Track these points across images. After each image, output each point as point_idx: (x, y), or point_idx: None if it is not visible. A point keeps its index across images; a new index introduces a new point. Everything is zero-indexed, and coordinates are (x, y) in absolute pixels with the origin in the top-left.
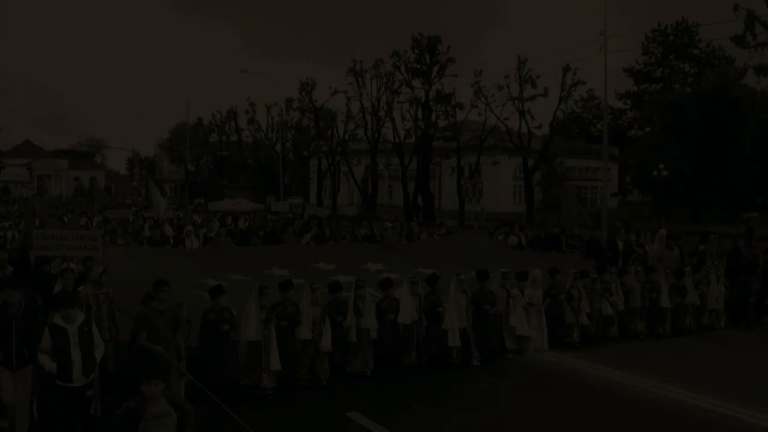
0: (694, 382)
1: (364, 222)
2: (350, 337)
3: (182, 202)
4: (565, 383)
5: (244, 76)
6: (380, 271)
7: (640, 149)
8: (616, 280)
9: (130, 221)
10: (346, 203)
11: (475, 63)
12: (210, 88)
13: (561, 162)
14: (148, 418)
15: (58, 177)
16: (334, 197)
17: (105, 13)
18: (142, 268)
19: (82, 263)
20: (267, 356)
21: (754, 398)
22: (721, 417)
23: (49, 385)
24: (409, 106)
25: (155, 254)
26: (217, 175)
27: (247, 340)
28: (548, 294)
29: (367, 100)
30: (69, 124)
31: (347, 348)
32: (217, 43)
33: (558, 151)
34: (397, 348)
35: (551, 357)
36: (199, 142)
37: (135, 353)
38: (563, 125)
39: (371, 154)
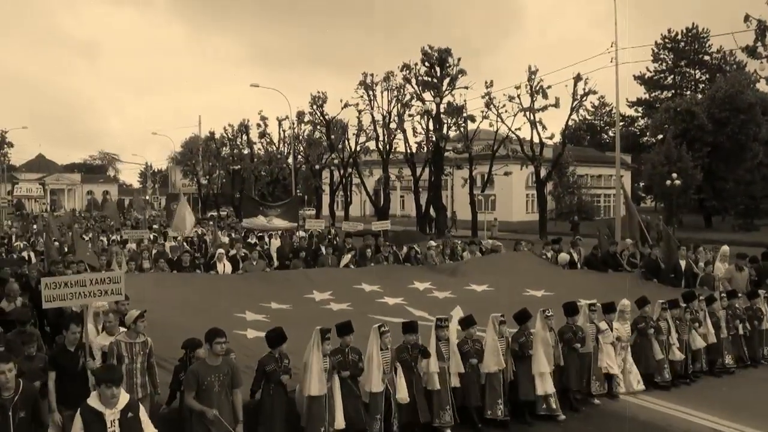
0: None
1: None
2: (432, 385)
3: (201, 218)
4: None
5: (256, 88)
6: (429, 290)
7: (652, 157)
8: (704, 309)
9: (150, 241)
10: (358, 215)
11: (486, 72)
12: (222, 102)
13: (573, 171)
14: None
15: (71, 191)
16: (346, 209)
17: (118, 27)
18: (173, 299)
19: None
20: (332, 414)
21: None
22: None
23: None
24: (420, 118)
25: (186, 283)
26: (235, 188)
27: (309, 395)
28: (636, 328)
29: (378, 112)
30: (82, 139)
31: (429, 399)
32: (229, 56)
33: (570, 159)
34: (482, 398)
35: (642, 400)
36: (212, 156)
37: (184, 418)
38: (575, 134)
39: (383, 166)
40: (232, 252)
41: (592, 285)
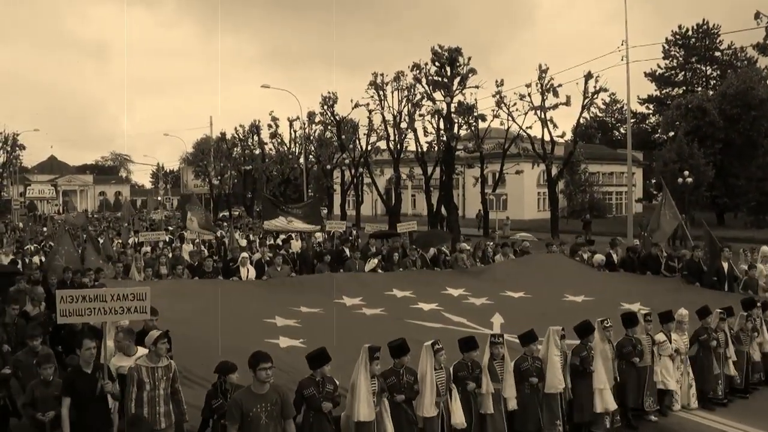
0: None
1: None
2: (485, 409)
3: (215, 220)
4: None
5: (267, 89)
6: (464, 296)
7: (663, 154)
8: (761, 317)
9: (166, 243)
10: (369, 214)
11: (498, 69)
12: (233, 103)
13: (585, 168)
14: None
15: (83, 192)
16: (357, 209)
17: (128, 28)
18: (197, 308)
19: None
20: None
21: None
22: None
23: None
24: (431, 117)
25: (209, 289)
26: (246, 188)
27: (357, 420)
28: (698, 339)
29: (389, 112)
30: (93, 140)
31: (482, 424)
32: (240, 56)
33: (581, 156)
34: (541, 420)
35: (699, 417)
36: (223, 156)
37: None
38: (586, 131)
39: (394, 165)
40: (256, 256)
41: (634, 289)
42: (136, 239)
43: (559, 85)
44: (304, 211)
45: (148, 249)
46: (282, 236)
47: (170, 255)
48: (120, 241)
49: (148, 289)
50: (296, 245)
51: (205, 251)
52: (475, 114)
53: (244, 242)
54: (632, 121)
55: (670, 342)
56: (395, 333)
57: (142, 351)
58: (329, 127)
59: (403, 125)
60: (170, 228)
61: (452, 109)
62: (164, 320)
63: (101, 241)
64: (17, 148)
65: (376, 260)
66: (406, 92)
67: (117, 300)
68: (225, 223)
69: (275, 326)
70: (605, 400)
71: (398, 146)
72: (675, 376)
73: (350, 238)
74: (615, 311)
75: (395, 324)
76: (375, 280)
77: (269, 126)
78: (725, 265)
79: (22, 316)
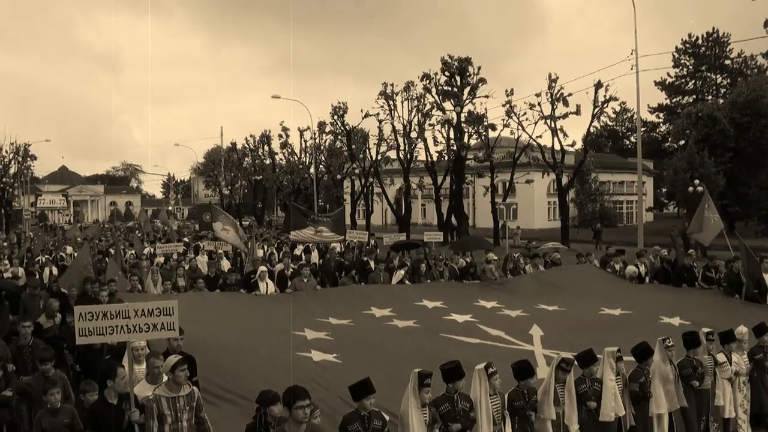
0: None
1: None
2: None
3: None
4: None
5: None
6: (497, 308)
7: (674, 163)
8: None
9: (180, 254)
10: (379, 224)
11: (508, 77)
12: (243, 113)
13: (595, 177)
14: None
15: (94, 202)
16: (367, 218)
17: (138, 38)
18: (223, 322)
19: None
20: None
21: None
22: None
23: None
24: (441, 127)
25: (234, 303)
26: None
27: None
28: (753, 359)
29: (399, 122)
30: (104, 151)
31: None
32: (250, 66)
33: (592, 165)
34: None
35: None
36: (234, 166)
37: None
38: (596, 140)
39: (404, 175)
40: (278, 267)
41: (672, 302)
42: (151, 250)
43: (569, 94)
44: (334, 219)
45: (161, 260)
46: (300, 247)
47: (187, 267)
48: (133, 251)
49: (175, 302)
50: (314, 256)
51: (227, 263)
52: (485, 123)
53: (260, 252)
54: (642, 129)
55: (731, 363)
56: (432, 348)
57: (146, 387)
58: (339, 137)
59: (413, 135)
60: (185, 239)
61: (462, 119)
62: (189, 336)
63: (112, 252)
64: (28, 159)
65: (402, 272)
66: (416, 102)
67: (141, 316)
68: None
69: (305, 339)
70: (663, 427)
71: (408, 156)
72: (738, 399)
73: (367, 246)
74: (654, 325)
75: (430, 338)
76: (404, 291)
77: (280, 136)
78: (766, 277)
79: (35, 332)
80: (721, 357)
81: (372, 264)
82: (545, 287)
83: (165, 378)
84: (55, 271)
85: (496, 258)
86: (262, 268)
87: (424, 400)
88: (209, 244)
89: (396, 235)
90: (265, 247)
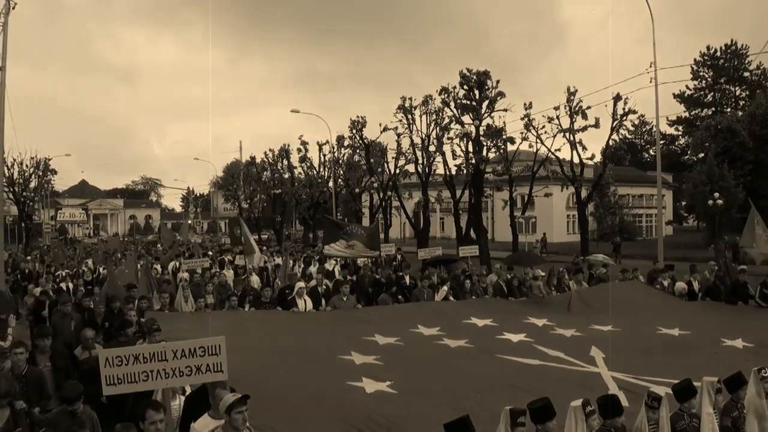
0: None
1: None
2: None
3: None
4: None
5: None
6: (549, 327)
7: (693, 176)
8: None
9: (205, 270)
10: (398, 237)
11: (528, 89)
12: (262, 127)
13: (614, 191)
14: None
15: (113, 216)
16: (386, 232)
17: (158, 53)
18: (265, 345)
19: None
20: None
21: None
22: None
23: None
24: (460, 140)
25: (271, 322)
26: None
27: None
28: None
29: (417, 136)
30: (124, 165)
31: None
32: (270, 80)
33: (611, 179)
34: None
35: None
36: (253, 180)
37: None
38: (615, 153)
39: (422, 188)
40: (311, 284)
41: (730, 322)
42: (176, 265)
43: (588, 107)
44: (369, 235)
45: (185, 275)
46: (332, 261)
47: (216, 282)
48: (158, 267)
49: (222, 339)
50: (327, 266)
51: (256, 279)
52: (504, 137)
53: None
54: (661, 142)
55: None
56: (492, 372)
57: (208, 422)
58: (358, 151)
59: (432, 148)
60: (210, 253)
61: (481, 132)
62: (231, 365)
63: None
64: (49, 173)
65: (446, 288)
66: (434, 116)
67: (182, 358)
68: (265, 247)
69: (353, 364)
70: None
71: (426, 169)
72: None
73: (395, 261)
74: (717, 347)
75: (487, 359)
76: (450, 308)
77: (299, 150)
78: None
79: (65, 360)
80: None
81: (407, 279)
82: (594, 305)
83: (214, 420)
84: (70, 285)
85: (543, 274)
86: (300, 284)
87: None
88: (240, 259)
89: (431, 250)
90: (291, 261)
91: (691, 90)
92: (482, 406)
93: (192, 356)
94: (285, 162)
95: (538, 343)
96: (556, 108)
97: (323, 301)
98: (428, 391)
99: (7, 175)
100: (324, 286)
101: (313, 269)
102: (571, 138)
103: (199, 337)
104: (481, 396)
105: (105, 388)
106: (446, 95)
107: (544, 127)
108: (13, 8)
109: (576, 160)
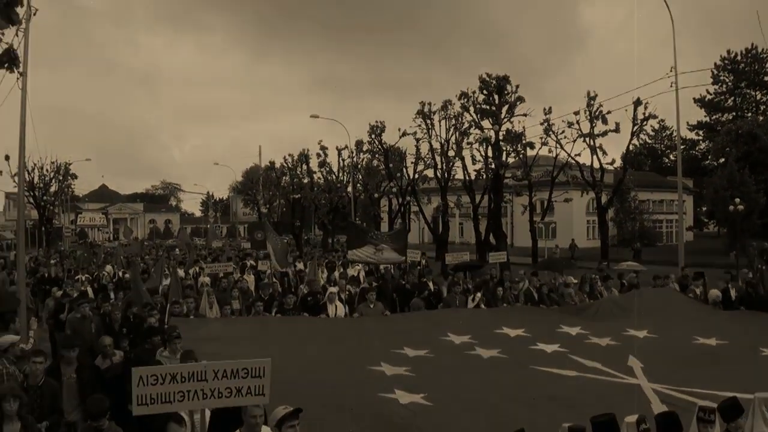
0: None
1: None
2: None
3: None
4: None
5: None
6: (584, 335)
7: (714, 181)
8: None
9: (227, 274)
10: (416, 242)
11: (548, 93)
12: (282, 132)
13: (635, 196)
14: None
15: (133, 220)
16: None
17: (177, 57)
18: (293, 354)
19: None
20: None
21: None
22: None
23: None
24: (479, 145)
25: (297, 329)
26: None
27: None
28: None
29: (436, 141)
30: (144, 169)
31: None
32: (289, 85)
33: (631, 184)
34: None
35: None
36: (272, 185)
37: None
38: (636, 159)
39: (441, 193)
40: (332, 290)
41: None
42: (197, 269)
43: (608, 112)
44: (396, 238)
45: (207, 280)
46: (357, 267)
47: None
48: (181, 271)
49: (268, 362)
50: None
51: (277, 283)
52: (524, 142)
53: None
54: (682, 147)
55: None
56: (529, 384)
57: None
58: (377, 156)
59: (451, 153)
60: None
61: (500, 137)
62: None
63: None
64: (69, 177)
65: (479, 295)
66: (453, 121)
67: (222, 379)
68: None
69: (384, 375)
70: None
71: (446, 174)
72: None
73: (419, 267)
74: (757, 357)
75: (522, 371)
76: (480, 317)
77: (318, 155)
78: None
79: (90, 372)
80: None
81: (430, 285)
82: (628, 312)
83: None
84: (89, 290)
85: (575, 281)
86: (332, 289)
87: None
88: (262, 264)
89: (457, 255)
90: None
91: (711, 94)
92: (522, 418)
93: (234, 377)
94: (304, 167)
95: (574, 353)
96: (576, 113)
97: (347, 307)
98: (465, 404)
99: (28, 179)
100: (347, 292)
101: (336, 275)
102: (591, 143)
103: (230, 348)
104: (520, 409)
105: (135, 408)
106: (466, 100)
107: (563, 131)
108: (34, 14)
109: (596, 165)
